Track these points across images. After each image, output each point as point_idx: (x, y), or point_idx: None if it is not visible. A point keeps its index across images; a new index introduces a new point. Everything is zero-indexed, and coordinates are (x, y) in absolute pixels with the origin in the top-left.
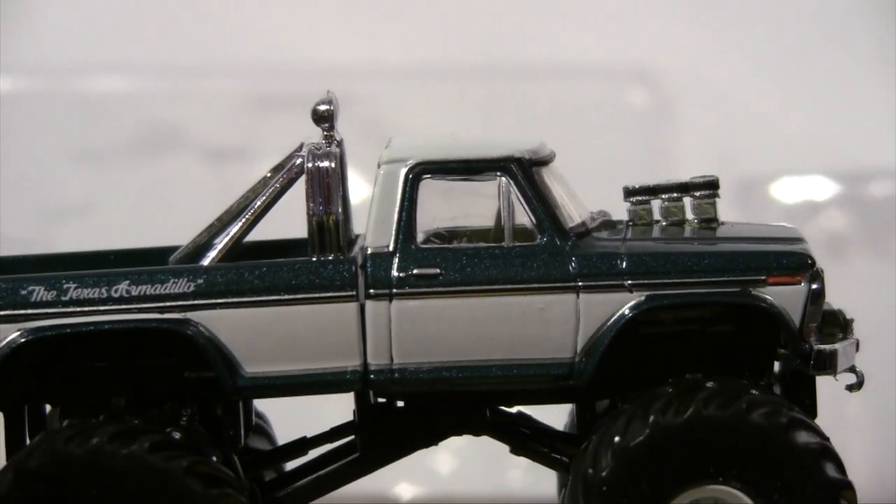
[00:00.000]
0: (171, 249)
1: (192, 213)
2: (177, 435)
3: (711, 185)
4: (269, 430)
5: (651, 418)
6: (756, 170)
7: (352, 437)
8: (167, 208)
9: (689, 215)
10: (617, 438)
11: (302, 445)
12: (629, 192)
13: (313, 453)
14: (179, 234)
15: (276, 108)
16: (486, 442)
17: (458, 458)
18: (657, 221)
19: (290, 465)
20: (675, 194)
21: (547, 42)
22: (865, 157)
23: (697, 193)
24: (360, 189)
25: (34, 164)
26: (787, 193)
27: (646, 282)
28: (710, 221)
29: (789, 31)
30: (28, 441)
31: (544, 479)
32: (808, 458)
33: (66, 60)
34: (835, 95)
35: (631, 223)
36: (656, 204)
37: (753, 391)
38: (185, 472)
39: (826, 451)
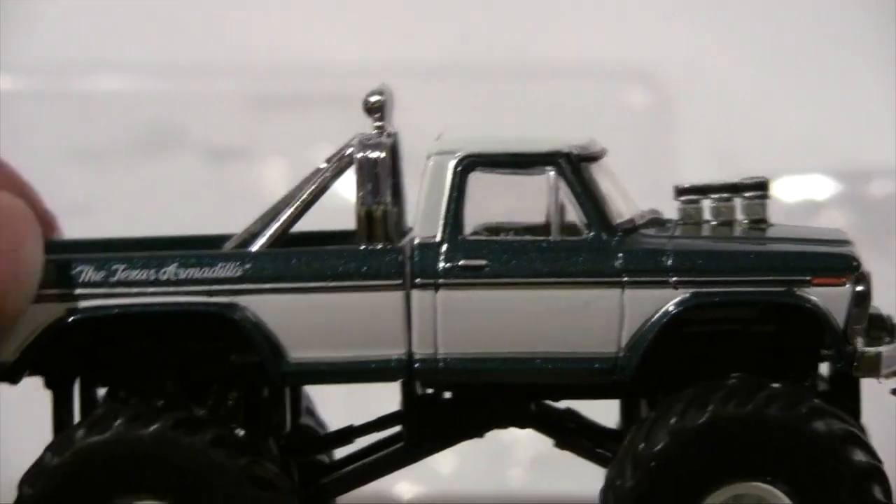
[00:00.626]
0: (226, 237)
1: (193, 212)
2: (201, 411)
3: (762, 186)
4: (313, 408)
5: (711, 406)
6: (756, 169)
7: (398, 427)
8: (167, 207)
9: (739, 215)
10: (674, 419)
11: (348, 434)
12: (680, 192)
13: (359, 442)
14: (180, 233)
15: (277, 107)
16: (486, 441)
17: (459, 457)
18: (707, 221)
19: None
20: (725, 194)
21: (548, 42)
22: (865, 156)
23: (748, 194)
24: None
25: (35, 163)
26: (787, 192)
27: (691, 279)
28: (759, 222)
29: (789, 32)
30: (76, 420)
31: (545, 479)
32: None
33: (66, 60)
34: (835, 95)
35: (680, 222)
36: (706, 204)
37: (816, 399)
38: (211, 443)
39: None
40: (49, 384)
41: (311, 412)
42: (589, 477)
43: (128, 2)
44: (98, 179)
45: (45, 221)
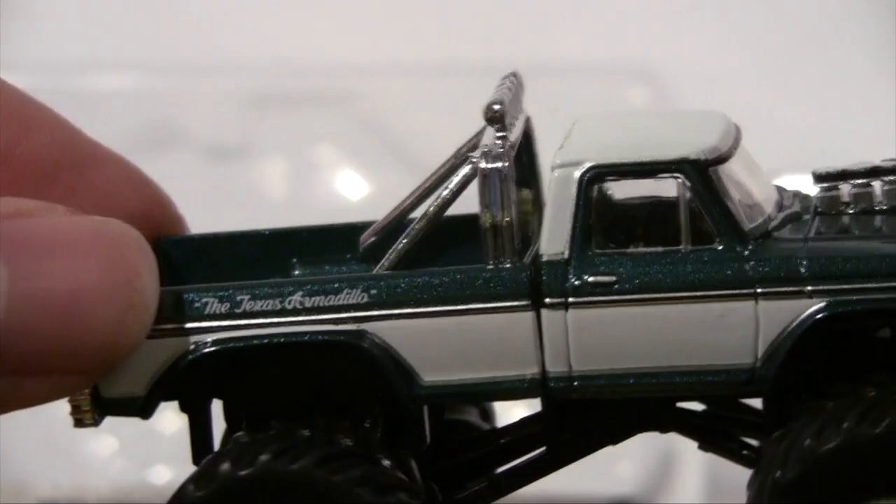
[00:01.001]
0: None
1: (193, 210)
2: (347, 442)
3: None
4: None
5: (845, 425)
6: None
7: (538, 429)
8: None
9: (879, 200)
10: (808, 441)
11: (491, 437)
12: (818, 178)
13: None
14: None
15: (277, 105)
16: None
17: None
18: (846, 205)
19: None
20: (863, 180)
21: (548, 41)
22: (865, 155)
23: (887, 178)
24: (358, 186)
25: None
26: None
27: (827, 287)
28: None
29: (789, 32)
30: (215, 441)
31: (544, 478)
32: None
33: (66, 59)
34: (835, 94)
35: (819, 211)
36: (845, 189)
37: None
38: (357, 482)
39: None
40: (184, 408)
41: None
42: (589, 478)
43: (127, 1)
44: None
45: (175, 224)
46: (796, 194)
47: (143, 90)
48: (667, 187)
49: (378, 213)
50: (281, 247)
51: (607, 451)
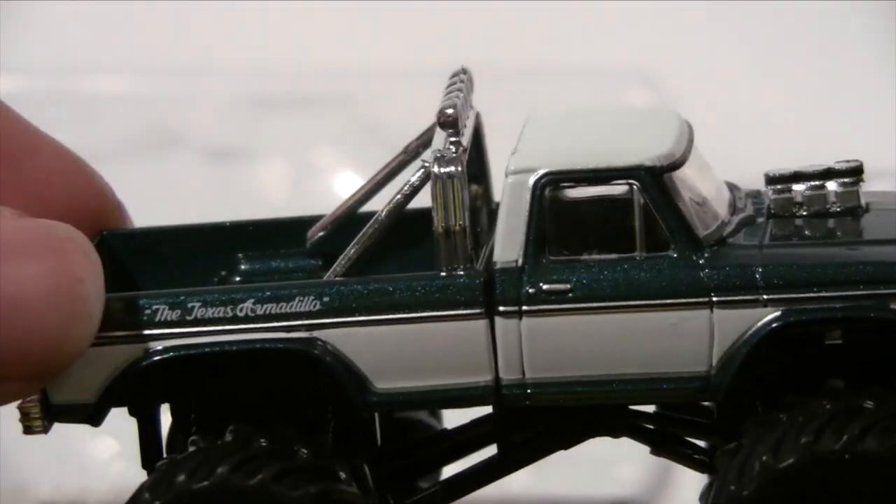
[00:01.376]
0: (309, 220)
1: (193, 212)
2: (304, 454)
3: (856, 172)
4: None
5: (802, 441)
6: (756, 170)
7: (488, 430)
8: (167, 207)
9: (832, 202)
10: (765, 457)
11: (442, 438)
12: (770, 180)
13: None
14: None
15: (277, 108)
16: None
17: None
18: (799, 206)
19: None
20: (816, 182)
21: (547, 43)
22: (865, 157)
23: (841, 180)
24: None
25: None
26: None
27: (782, 296)
28: (854, 210)
29: (789, 33)
30: (164, 446)
31: (544, 480)
32: None
33: (67, 62)
34: (835, 96)
35: (772, 213)
36: (798, 190)
37: None
38: (314, 499)
39: None
40: (133, 412)
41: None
42: (588, 479)
43: (127, 4)
44: None
45: (115, 212)
46: (749, 194)
47: (144, 93)
48: (621, 192)
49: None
50: (227, 241)
51: (607, 454)
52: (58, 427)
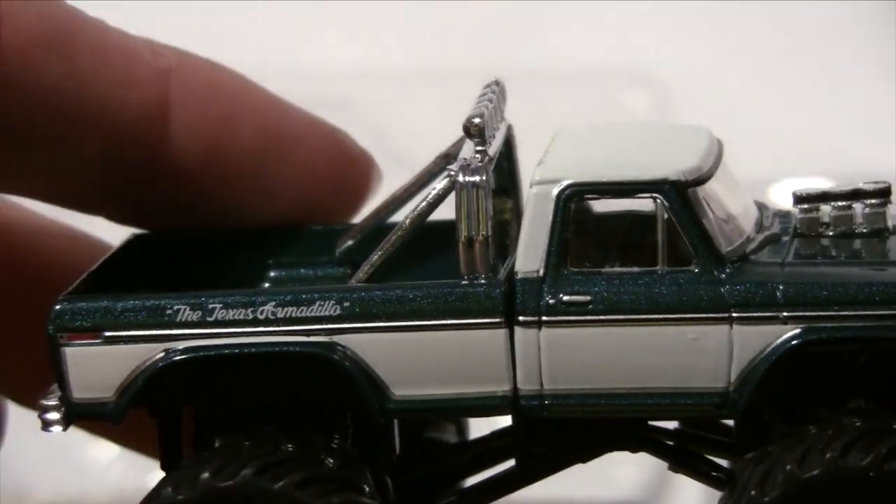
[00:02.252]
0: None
1: None
2: (329, 463)
3: (884, 193)
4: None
5: (829, 455)
6: (756, 172)
7: (507, 443)
8: None
9: (859, 223)
10: (789, 467)
11: (462, 449)
12: (798, 199)
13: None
14: None
15: None
16: None
17: None
18: (826, 226)
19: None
20: (844, 202)
21: (549, 46)
22: (865, 158)
23: (868, 201)
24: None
25: None
26: (787, 196)
27: (802, 314)
28: (881, 232)
29: (789, 35)
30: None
31: (544, 482)
32: None
33: None
34: (834, 98)
35: (798, 232)
36: (825, 210)
37: None
38: None
39: None
40: (152, 412)
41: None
42: (589, 482)
43: (129, 7)
44: None
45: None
46: (776, 213)
47: None
48: (645, 206)
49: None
50: (256, 248)
51: (608, 455)
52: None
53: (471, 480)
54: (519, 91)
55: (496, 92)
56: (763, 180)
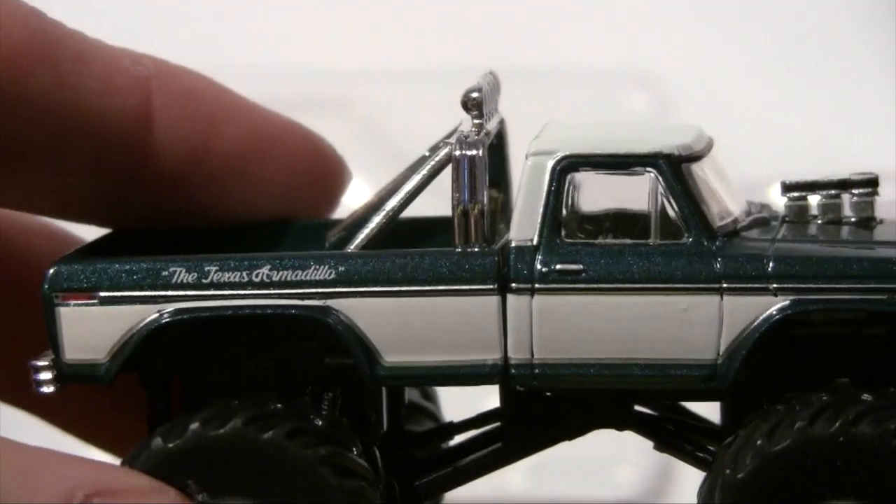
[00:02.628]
0: (332, 223)
1: None
2: (318, 422)
3: (871, 183)
4: (435, 411)
5: (797, 425)
6: (756, 172)
7: (496, 424)
8: None
9: (847, 213)
10: (759, 441)
11: (448, 431)
12: (787, 188)
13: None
14: None
15: (279, 111)
16: None
17: None
18: (814, 217)
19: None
20: (832, 191)
21: (548, 46)
22: (865, 159)
23: (856, 191)
24: (359, 191)
25: None
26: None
27: (792, 286)
28: (868, 221)
29: (789, 36)
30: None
31: (544, 483)
32: None
33: None
34: (834, 98)
35: (786, 219)
36: (813, 201)
37: None
38: (321, 461)
39: None
40: (143, 381)
41: (430, 397)
42: (587, 481)
43: (128, 6)
44: None
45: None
46: (765, 206)
47: None
48: (638, 182)
49: None
50: (248, 240)
51: (607, 456)
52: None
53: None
54: (519, 91)
55: (490, 82)
56: (763, 180)
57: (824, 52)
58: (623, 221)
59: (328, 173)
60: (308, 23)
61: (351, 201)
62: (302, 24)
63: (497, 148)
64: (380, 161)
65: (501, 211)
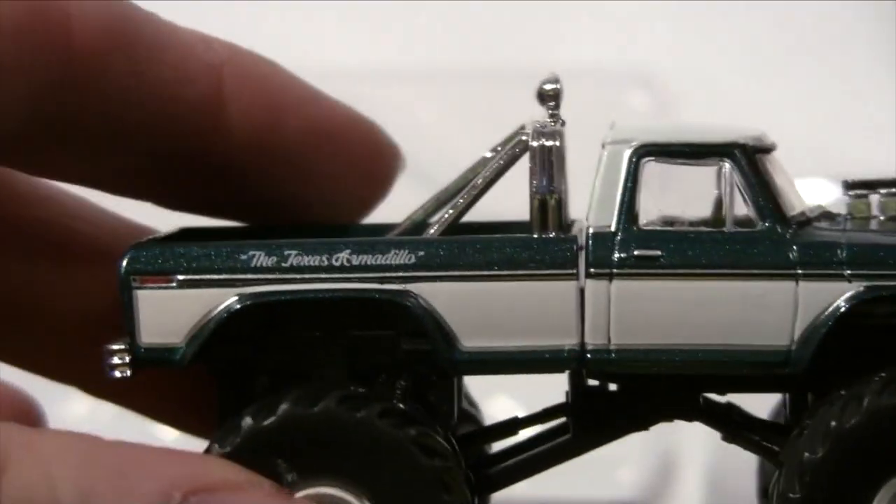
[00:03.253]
0: (386, 227)
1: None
2: (403, 405)
3: None
4: (478, 416)
5: (866, 400)
6: None
7: (562, 419)
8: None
9: None
10: (833, 423)
11: (513, 425)
12: (848, 186)
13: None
14: None
15: None
16: None
17: None
18: (875, 216)
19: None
20: (893, 189)
21: (549, 45)
22: (866, 159)
23: None
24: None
25: None
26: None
27: (866, 272)
28: None
29: (789, 36)
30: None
31: (544, 483)
32: None
33: None
34: (835, 98)
35: (849, 216)
36: (874, 199)
37: None
38: (412, 441)
39: None
40: (212, 371)
41: (468, 399)
42: (587, 482)
43: None
44: None
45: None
46: (822, 207)
47: None
48: (715, 169)
49: (379, 217)
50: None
51: (607, 457)
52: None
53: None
54: (519, 91)
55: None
56: None
57: (825, 52)
58: (700, 207)
59: (384, 162)
60: (309, 23)
61: None
62: (303, 24)
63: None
64: None
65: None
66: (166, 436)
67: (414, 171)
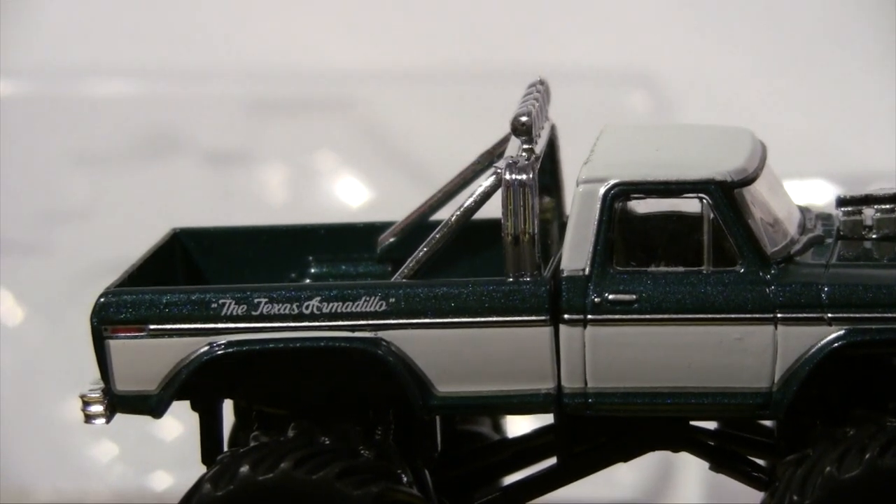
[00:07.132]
0: (381, 226)
1: (194, 217)
2: (367, 455)
3: None
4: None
5: (867, 455)
6: None
7: (549, 439)
8: (169, 212)
9: None
10: (828, 469)
11: (501, 447)
12: (841, 202)
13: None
14: None
15: (278, 111)
16: None
17: None
18: (868, 229)
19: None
20: (887, 205)
21: (547, 46)
22: (866, 160)
23: None
24: (359, 192)
25: (35, 167)
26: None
27: (847, 315)
28: None
29: (789, 35)
30: (225, 442)
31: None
32: None
33: (67, 64)
34: (835, 98)
35: (840, 235)
36: (868, 213)
37: None
38: (374, 499)
39: None
40: (195, 406)
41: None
42: (587, 483)
43: (128, 6)
44: (99, 184)
45: None
46: (819, 216)
47: (144, 96)
48: (691, 206)
49: (378, 218)
50: (298, 244)
51: None
52: (59, 430)
53: (510, 479)
54: (519, 91)
55: (541, 91)
56: None
57: (825, 52)
58: (676, 245)
59: None
60: (308, 23)
61: (351, 202)
62: (302, 24)
63: (548, 153)
64: (380, 161)
65: (555, 216)
66: (166, 436)
67: (414, 171)
